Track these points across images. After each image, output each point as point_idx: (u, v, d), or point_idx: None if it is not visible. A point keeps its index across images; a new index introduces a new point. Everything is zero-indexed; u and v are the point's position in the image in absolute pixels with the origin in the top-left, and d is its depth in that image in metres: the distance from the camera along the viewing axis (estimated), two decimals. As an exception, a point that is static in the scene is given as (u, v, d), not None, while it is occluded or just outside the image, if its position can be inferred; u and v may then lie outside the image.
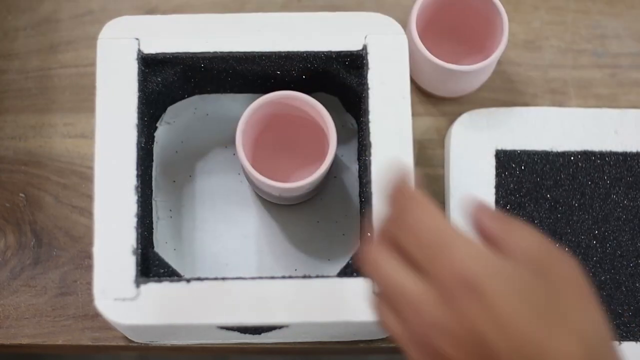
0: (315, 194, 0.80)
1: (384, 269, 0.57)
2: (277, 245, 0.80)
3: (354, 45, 0.74)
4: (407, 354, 0.57)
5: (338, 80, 0.76)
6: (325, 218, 0.80)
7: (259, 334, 0.76)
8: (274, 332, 0.75)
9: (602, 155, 0.83)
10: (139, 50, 0.73)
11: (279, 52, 0.74)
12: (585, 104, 0.86)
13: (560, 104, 0.86)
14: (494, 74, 0.85)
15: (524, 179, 0.82)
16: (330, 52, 0.74)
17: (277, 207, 0.80)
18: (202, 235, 0.80)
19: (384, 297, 0.57)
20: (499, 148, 0.83)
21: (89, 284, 0.77)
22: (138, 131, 0.72)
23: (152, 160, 0.79)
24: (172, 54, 0.74)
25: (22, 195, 0.83)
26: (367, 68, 0.73)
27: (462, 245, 0.55)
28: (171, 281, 0.69)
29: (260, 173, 0.73)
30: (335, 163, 0.80)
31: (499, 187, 0.82)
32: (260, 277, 0.69)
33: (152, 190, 0.79)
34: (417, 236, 0.56)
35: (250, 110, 0.75)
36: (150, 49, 0.74)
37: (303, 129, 0.79)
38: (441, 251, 0.55)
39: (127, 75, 0.73)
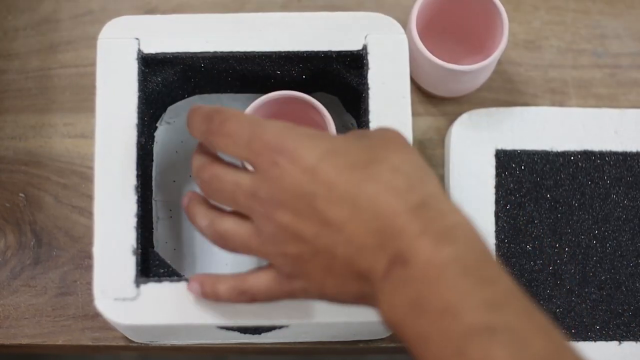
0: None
1: (217, 177, 0.60)
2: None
3: (354, 45, 0.74)
4: (262, 255, 0.60)
5: (338, 80, 0.76)
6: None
7: (259, 333, 0.76)
8: (273, 332, 0.75)
9: (602, 155, 0.83)
10: (139, 50, 0.73)
11: (279, 52, 0.74)
12: (585, 103, 0.86)
13: (560, 104, 0.86)
14: (494, 74, 0.85)
15: (524, 179, 0.82)
16: (331, 52, 0.74)
17: (277, 207, 0.80)
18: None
19: (223, 217, 0.62)
20: (499, 148, 0.83)
21: (89, 284, 0.77)
22: (138, 131, 0.72)
23: (152, 160, 0.79)
24: (172, 53, 0.74)
25: (22, 195, 0.83)
26: (367, 68, 0.73)
27: (272, 125, 0.59)
28: (171, 281, 0.69)
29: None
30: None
31: (499, 187, 0.82)
32: (260, 277, 0.69)
33: (152, 190, 0.79)
34: (231, 135, 0.59)
35: (250, 110, 0.75)
36: (150, 48, 0.74)
37: (303, 129, 0.79)
38: (254, 136, 0.58)
39: (127, 75, 0.73)
